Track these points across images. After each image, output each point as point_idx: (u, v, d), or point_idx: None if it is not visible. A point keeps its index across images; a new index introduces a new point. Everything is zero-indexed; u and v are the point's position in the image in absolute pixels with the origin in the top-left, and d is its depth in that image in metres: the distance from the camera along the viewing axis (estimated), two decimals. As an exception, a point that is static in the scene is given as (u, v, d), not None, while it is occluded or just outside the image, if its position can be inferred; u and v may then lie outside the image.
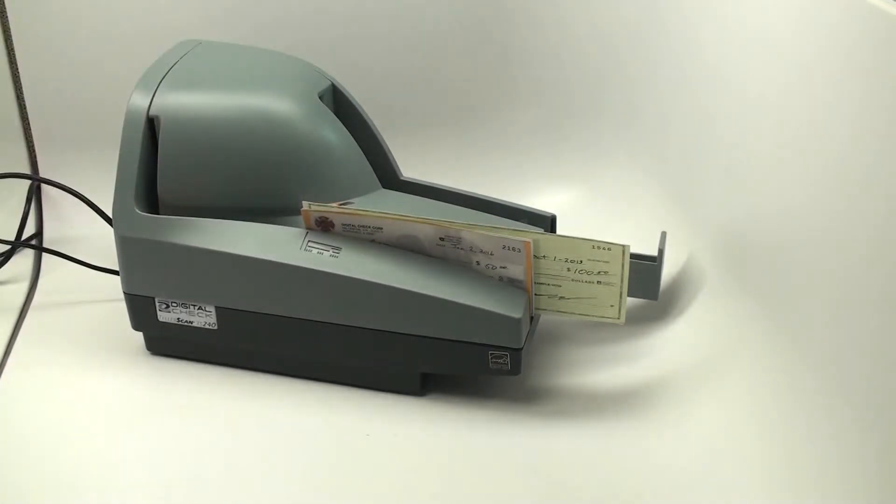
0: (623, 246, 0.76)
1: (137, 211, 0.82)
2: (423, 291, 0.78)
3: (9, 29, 1.05)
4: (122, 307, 0.87)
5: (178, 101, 0.82)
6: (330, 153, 0.83)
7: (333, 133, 0.84)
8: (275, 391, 0.84)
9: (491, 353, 0.79)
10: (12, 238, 1.01)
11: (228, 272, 0.81)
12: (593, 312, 0.79)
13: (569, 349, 0.88)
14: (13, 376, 0.86)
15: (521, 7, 1.10)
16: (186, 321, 0.84)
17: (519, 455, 0.77)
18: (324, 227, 0.81)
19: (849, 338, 0.67)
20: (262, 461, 0.76)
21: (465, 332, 0.78)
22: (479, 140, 1.13)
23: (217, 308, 0.83)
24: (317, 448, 0.78)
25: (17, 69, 1.06)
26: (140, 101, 0.82)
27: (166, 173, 0.82)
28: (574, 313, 0.80)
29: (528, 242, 0.77)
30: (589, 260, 0.77)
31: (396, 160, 0.92)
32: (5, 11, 1.04)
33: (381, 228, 0.80)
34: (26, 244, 1.02)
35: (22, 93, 1.07)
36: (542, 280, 0.79)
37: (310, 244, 0.80)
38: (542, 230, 0.83)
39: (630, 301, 0.89)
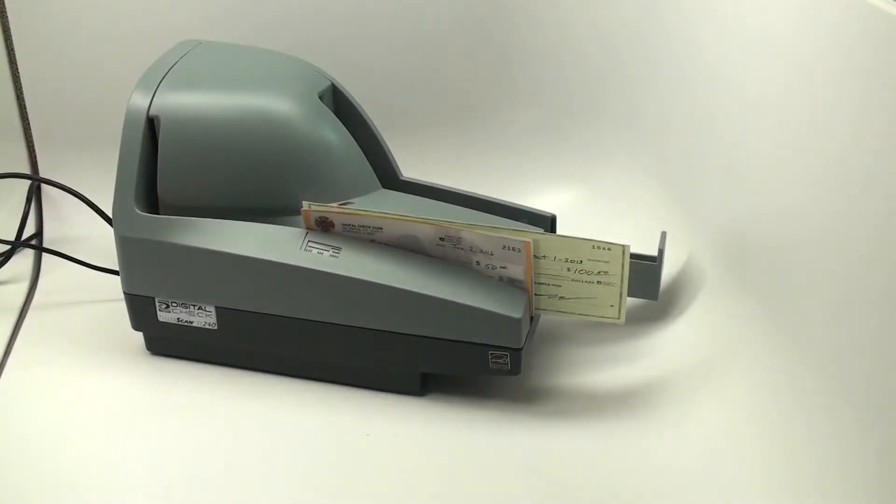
0: (623, 246, 0.76)
1: (137, 211, 0.82)
2: (423, 291, 0.78)
3: (9, 29, 1.05)
4: (122, 307, 0.87)
5: (178, 101, 0.82)
6: (330, 153, 0.83)
7: (333, 133, 0.84)
8: (275, 391, 0.84)
9: (491, 353, 0.79)
10: (12, 238, 1.01)
11: (228, 272, 0.81)
12: (593, 312, 0.79)
13: (569, 349, 0.88)
14: (13, 376, 0.86)
15: (521, 7, 1.10)
16: (186, 321, 0.84)
17: (519, 455, 0.77)
18: (324, 227, 0.81)
19: (849, 338, 0.67)
20: (262, 461, 0.76)
21: (465, 332, 0.78)
22: (479, 140, 1.13)
23: (217, 308, 0.83)
24: (317, 448, 0.78)
25: (17, 69, 1.06)
26: (140, 101, 0.82)
27: (166, 173, 0.82)
28: (574, 313, 0.80)
29: (528, 242, 0.77)
30: (589, 260, 0.77)
31: (396, 160, 0.92)
32: (5, 11, 1.04)
33: (381, 228, 0.80)
34: (26, 244, 1.02)
35: (22, 93, 1.07)
36: (542, 280, 0.79)
37: (310, 244, 0.80)
38: (542, 230, 0.83)
39: (630, 301, 0.89)
